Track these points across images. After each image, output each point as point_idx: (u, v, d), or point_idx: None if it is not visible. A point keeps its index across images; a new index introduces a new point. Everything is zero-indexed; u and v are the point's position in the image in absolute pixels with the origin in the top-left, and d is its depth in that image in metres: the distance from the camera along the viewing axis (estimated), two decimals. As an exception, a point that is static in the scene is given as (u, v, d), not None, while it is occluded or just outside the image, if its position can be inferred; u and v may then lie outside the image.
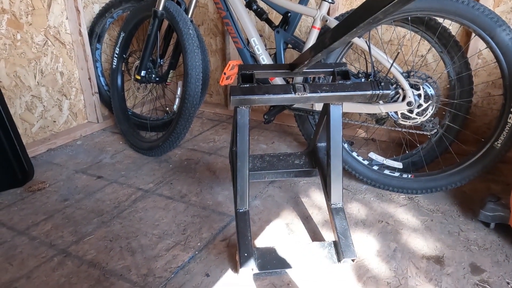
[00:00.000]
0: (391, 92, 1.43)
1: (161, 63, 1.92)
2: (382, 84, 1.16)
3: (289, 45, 1.78)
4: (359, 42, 1.46)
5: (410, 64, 1.86)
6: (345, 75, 1.24)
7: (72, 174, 1.80)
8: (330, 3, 1.49)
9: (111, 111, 2.28)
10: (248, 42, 1.78)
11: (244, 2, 1.83)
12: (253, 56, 1.82)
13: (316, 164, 1.47)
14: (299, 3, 1.74)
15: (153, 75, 1.85)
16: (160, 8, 1.71)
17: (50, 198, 1.60)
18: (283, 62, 1.80)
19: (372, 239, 1.31)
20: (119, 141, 2.15)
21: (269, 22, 1.83)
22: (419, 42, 1.82)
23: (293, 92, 1.13)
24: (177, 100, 1.76)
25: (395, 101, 1.43)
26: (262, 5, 1.79)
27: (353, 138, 2.06)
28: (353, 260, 1.19)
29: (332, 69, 1.27)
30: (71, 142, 2.15)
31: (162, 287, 1.13)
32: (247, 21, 1.64)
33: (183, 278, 1.16)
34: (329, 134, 1.24)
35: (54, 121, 2.15)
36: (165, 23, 1.91)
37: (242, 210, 1.24)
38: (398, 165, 1.57)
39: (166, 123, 2.18)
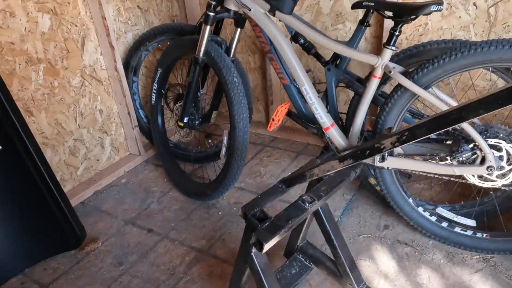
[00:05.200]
0: (467, 155, 1.27)
1: (203, 110, 1.82)
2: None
3: (341, 83, 1.63)
4: (425, 95, 1.28)
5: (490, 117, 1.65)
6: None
7: (122, 226, 1.77)
8: (394, 50, 1.31)
9: (152, 142, 2.22)
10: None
11: (290, 36, 1.67)
12: (301, 93, 1.68)
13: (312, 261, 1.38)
14: (348, 43, 1.56)
15: (196, 122, 1.75)
16: (201, 55, 1.58)
17: (104, 261, 1.59)
18: (335, 101, 1.65)
19: (449, 323, 1.21)
20: (163, 178, 2.10)
21: (318, 56, 1.67)
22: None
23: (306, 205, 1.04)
24: (223, 149, 1.67)
25: (472, 162, 1.28)
26: (310, 39, 1.63)
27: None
28: None
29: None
30: (116, 180, 2.12)
31: None
32: (296, 66, 1.47)
33: None
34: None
35: (98, 160, 2.12)
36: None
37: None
38: (471, 222, 1.43)
39: (210, 155, 2.10)
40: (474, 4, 1.61)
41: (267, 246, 0.98)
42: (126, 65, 2.10)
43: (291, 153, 2.22)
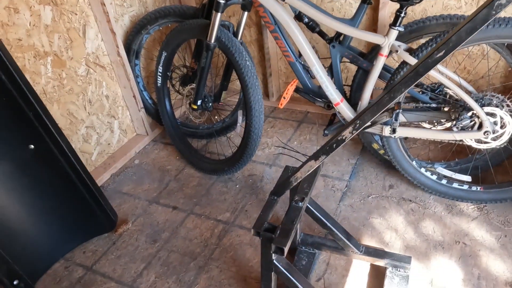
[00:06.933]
0: (467, 122, 1.43)
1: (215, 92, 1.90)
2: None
3: (346, 58, 1.73)
4: (430, 71, 1.41)
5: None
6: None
7: (147, 206, 1.89)
8: (400, 30, 1.42)
9: (158, 122, 2.30)
10: (300, 55, 1.72)
11: (293, 15, 1.74)
12: (307, 69, 1.78)
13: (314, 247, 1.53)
14: (351, 21, 1.64)
15: (210, 104, 1.83)
16: (213, 41, 1.63)
17: (139, 240, 1.72)
18: (340, 76, 1.77)
19: (454, 265, 1.43)
20: (175, 156, 2.20)
21: (322, 34, 1.75)
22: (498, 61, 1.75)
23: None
24: (238, 128, 1.77)
25: (471, 128, 1.44)
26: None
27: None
28: None
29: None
30: (129, 162, 2.20)
31: None
32: (307, 48, 1.56)
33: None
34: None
35: (109, 144, 2.19)
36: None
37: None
38: (467, 178, 1.62)
39: (217, 131, 2.20)
40: (465, -26, 1.71)
41: (286, 249, 1.12)
42: (128, 49, 2.11)
43: (293, 122, 2.35)
